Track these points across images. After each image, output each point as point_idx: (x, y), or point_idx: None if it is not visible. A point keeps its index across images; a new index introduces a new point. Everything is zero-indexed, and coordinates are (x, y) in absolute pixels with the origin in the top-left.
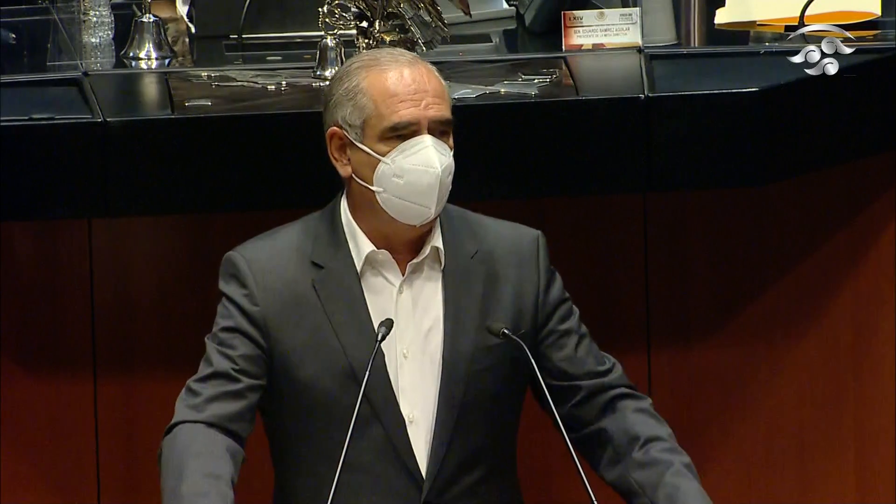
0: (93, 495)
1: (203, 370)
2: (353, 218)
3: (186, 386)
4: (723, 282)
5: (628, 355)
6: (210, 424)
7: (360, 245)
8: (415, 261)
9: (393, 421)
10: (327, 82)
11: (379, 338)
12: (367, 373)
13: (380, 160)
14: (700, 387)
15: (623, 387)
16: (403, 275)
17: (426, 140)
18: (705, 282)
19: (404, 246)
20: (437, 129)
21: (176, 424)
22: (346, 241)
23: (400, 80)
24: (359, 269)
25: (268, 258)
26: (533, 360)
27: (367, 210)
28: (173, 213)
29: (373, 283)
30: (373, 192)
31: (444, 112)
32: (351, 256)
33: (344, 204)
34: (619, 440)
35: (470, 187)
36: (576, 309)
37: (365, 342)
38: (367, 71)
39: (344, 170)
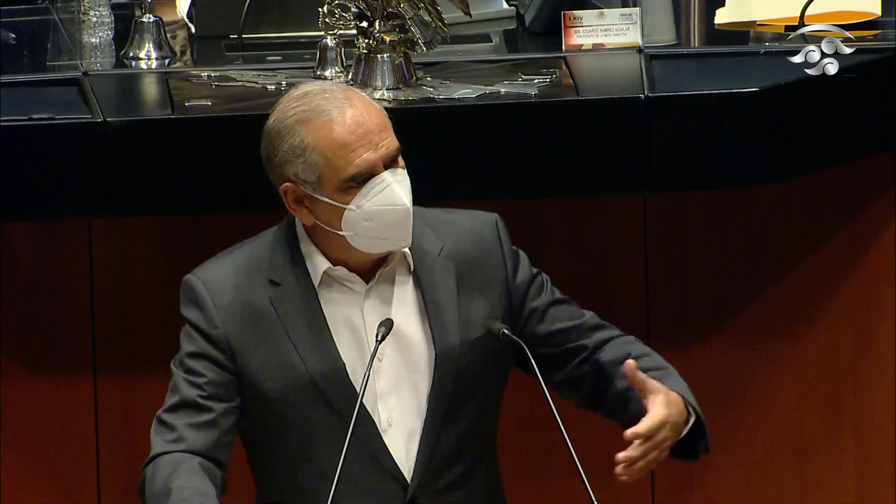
0: (93, 495)
1: (171, 399)
2: (313, 241)
3: (158, 418)
4: (723, 282)
5: None
6: (189, 453)
7: (317, 262)
8: (384, 269)
9: (365, 428)
10: (327, 81)
11: (378, 338)
12: (367, 374)
13: (345, 208)
14: (700, 387)
15: (615, 337)
16: (368, 283)
17: (386, 178)
18: (705, 282)
19: (368, 265)
20: (390, 159)
21: (155, 456)
22: (303, 258)
23: (344, 127)
24: (316, 283)
25: (224, 278)
26: (533, 360)
27: (337, 247)
28: (173, 213)
29: (333, 295)
30: (342, 236)
31: (392, 144)
32: (307, 272)
33: (300, 225)
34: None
35: (470, 187)
36: (546, 277)
37: (324, 356)
38: (307, 125)
39: (307, 219)
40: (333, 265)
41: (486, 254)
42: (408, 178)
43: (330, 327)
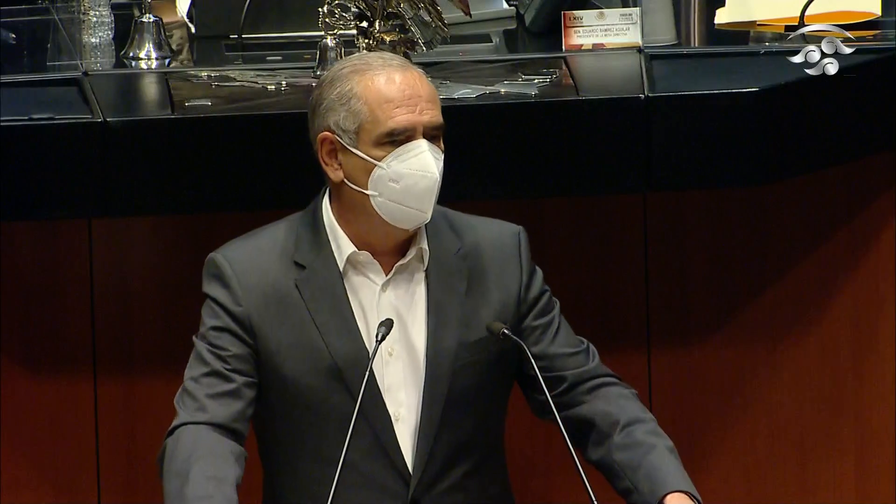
0: (93, 495)
1: (197, 369)
2: (338, 220)
3: (183, 387)
4: (723, 282)
5: (628, 355)
6: (212, 426)
7: (342, 246)
8: (401, 262)
9: (379, 419)
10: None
11: (379, 338)
12: (368, 372)
13: (376, 165)
14: (700, 387)
15: (606, 375)
16: (387, 275)
17: (423, 145)
18: (705, 282)
19: (389, 248)
20: (431, 134)
21: (178, 426)
22: (329, 242)
23: (394, 85)
24: (341, 268)
25: (249, 258)
26: (533, 361)
27: (359, 214)
28: (173, 213)
29: (356, 282)
30: (367, 196)
31: (437, 117)
32: (333, 257)
33: (327, 205)
34: (601, 423)
35: (470, 187)
36: (555, 300)
37: (348, 341)
38: (359, 76)
39: (335, 174)
40: (359, 249)
41: (503, 261)
42: (443, 160)
43: (354, 315)
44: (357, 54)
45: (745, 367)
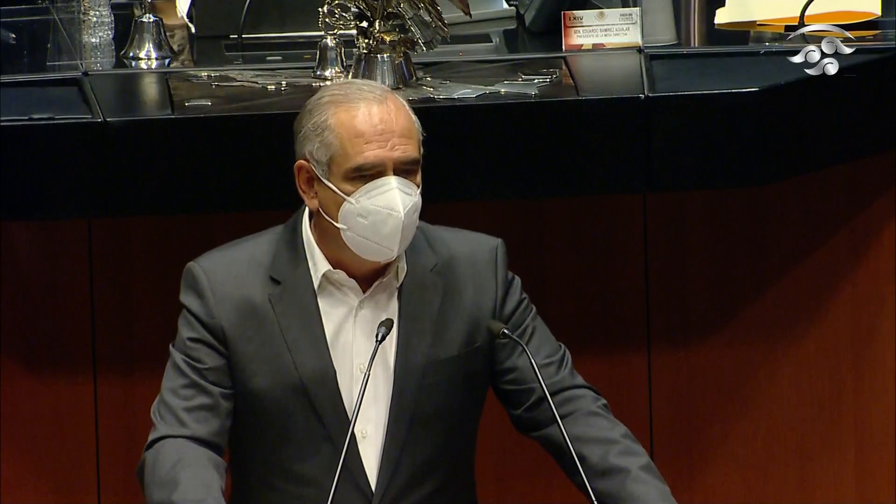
0: (93, 495)
1: (175, 380)
2: (315, 239)
3: (161, 399)
4: (723, 282)
5: (628, 355)
6: (193, 439)
7: (318, 264)
8: (382, 280)
9: (342, 435)
10: (327, 82)
11: (378, 338)
12: (367, 374)
13: (345, 199)
14: (700, 387)
15: (575, 387)
16: (364, 292)
17: (391, 182)
18: (705, 282)
19: (364, 272)
20: (403, 169)
21: (158, 439)
22: (306, 259)
23: (367, 119)
24: (316, 286)
25: (226, 270)
26: (535, 364)
27: (332, 240)
28: (173, 213)
29: (331, 300)
30: (337, 228)
31: (410, 153)
32: (309, 274)
33: (306, 221)
34: (574, 446)
35: (470, 187)
36: (531, 308)
37: (316, 358)
38: (335, 107)
39: (311, 203)
40: (334, 268)
41: (478, 277)
42: (418, 195)
43: (325, 333)
44: (339, 82)
45: (745, 367)
